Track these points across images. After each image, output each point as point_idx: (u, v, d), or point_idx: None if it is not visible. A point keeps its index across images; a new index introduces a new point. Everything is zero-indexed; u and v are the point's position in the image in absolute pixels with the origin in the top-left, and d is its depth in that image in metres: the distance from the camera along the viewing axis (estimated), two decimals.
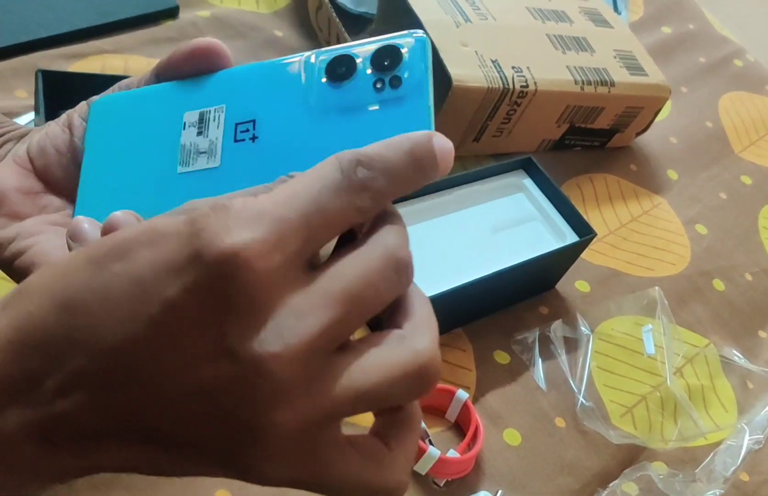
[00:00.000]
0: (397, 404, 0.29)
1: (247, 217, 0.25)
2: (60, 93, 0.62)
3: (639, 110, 0.81)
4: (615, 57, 0.81)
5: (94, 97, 0.39)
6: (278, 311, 0.25)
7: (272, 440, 0.26)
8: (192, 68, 0.37)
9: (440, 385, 0.58)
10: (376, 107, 0.33)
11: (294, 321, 0.25)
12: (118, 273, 0.25)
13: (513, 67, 0.73)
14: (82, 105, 0.40)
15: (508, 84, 0.71)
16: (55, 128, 0.40)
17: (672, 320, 0.69)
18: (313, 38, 0.85)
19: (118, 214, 0.31)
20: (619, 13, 0.99)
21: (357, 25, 0.81)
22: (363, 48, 0.34)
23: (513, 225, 0.67)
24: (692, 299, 0.74)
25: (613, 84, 0.78)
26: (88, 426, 0.25)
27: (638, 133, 0.85)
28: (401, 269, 0.28)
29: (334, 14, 0.79)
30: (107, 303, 0.25)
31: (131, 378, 0.25)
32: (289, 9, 0.87)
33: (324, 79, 0.34)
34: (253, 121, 0.35)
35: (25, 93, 0.69)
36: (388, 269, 0.27)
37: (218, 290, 0.24)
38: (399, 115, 0.33)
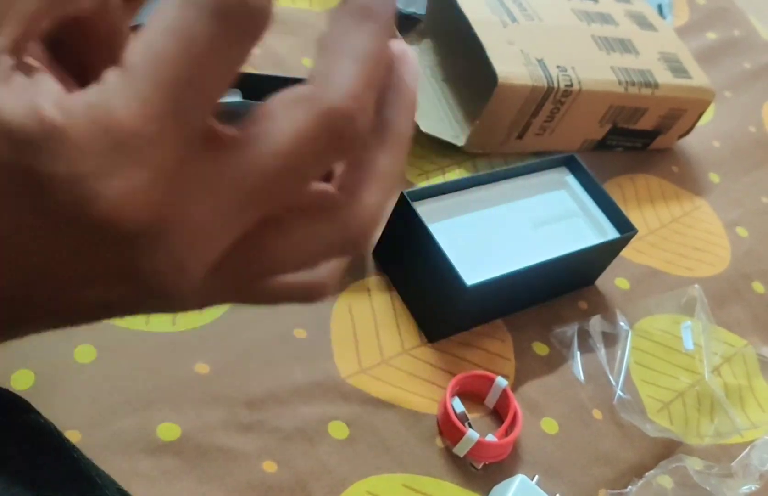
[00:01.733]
0: (315, 174, 0.22)
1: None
2: None
3: (682, 112, 0.82)
4: (659, 59, 0.82)
5: None
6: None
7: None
8: None
9: (480, 371, 0.60)
10: None
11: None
12: None
13: (558, 67, 0.74)
14: None
15: (552, 83, 0.73)
16: None
17: (711, 319, 0.69)
18: None
19: None
20: (664, 19, 0.99)
21: (406, 24, 0.83)
22: None
23: (555, 220, 0.68)
24: (731, 301, 0.74)
25: (656, 85, 0.79)
26: None
27: (681, 136, 0.86)
28: (226, 22, 0.20)
29: None
30: None
31: None
32: None
33: None
34: None
35: None
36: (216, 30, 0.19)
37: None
38: None
